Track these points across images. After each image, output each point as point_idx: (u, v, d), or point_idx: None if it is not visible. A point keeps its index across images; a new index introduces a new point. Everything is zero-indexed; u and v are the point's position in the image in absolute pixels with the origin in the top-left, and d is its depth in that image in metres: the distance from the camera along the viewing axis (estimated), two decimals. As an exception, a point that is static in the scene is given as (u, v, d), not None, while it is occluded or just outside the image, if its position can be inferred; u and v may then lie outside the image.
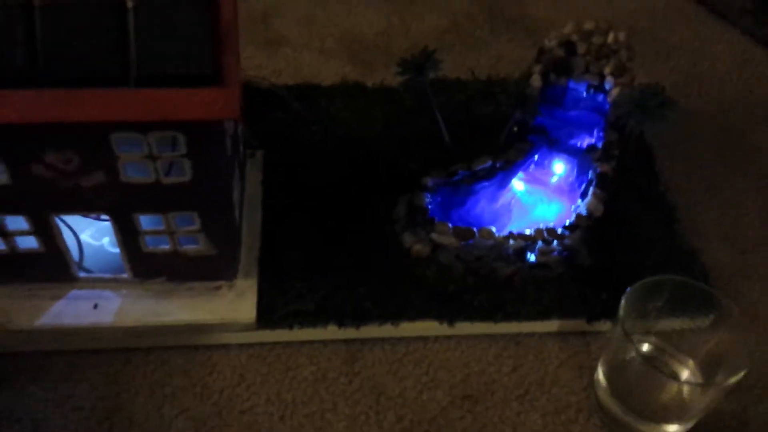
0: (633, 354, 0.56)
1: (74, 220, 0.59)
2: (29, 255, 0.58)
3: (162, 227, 0.57)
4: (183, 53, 0.47)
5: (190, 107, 0.47)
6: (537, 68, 0.74)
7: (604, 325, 0.64)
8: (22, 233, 0.57)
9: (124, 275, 0.61)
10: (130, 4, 0.46)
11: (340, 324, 0.62)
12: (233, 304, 0.61)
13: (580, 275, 0.65)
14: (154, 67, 0.47)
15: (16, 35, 0.46)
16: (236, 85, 0.48)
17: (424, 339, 0.64)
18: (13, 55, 0.46)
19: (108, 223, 0.61)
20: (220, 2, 0.48)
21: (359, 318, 0.62)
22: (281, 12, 0.96)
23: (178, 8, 0.47)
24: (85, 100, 0.46)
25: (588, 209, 0.66)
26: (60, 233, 0.57)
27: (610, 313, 0.62)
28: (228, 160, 0.56)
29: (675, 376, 0.59)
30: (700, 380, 0.59)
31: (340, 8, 0.98)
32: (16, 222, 0.56)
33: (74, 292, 0.61)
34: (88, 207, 0.55)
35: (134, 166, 0.52)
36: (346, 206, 0.70)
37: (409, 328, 0.63)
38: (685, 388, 0.56)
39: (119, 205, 0.55)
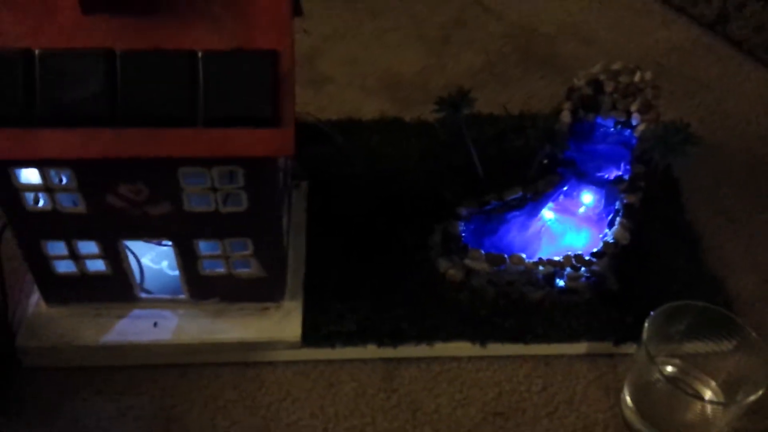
0: (657, 375, 0.59)
1: (136, 245, 0.65)
2: (97, 277, 0.64)
3: (218, 252, 0.62)
4: (246, 97, 0.52)
5: (250, 145, 0.53)
6: (566, 105, 0.79)
7: (630, 348, 0.67)
8: (92, 257, 0.62)
9: (182, 296, 0.66)
10: (200, 54, 0.52)
11: (379, 343, 0.66)
12: (280, 324, 0.66)
13: (607, 300, 0.69)
14: (219, 109, 0.53)
15: (99, 80, 0.52)
16: (292, 126, 0.54)
17: (457, 359, 0.67)
18: (95, 98, 0.52)
19: (167, 248, 0.66)
20: (279, 54, 0.53)
21: (396, 338, 0.66)
22: (325, 53, 1.03)
23: (243, 58, 0.53)
24: (158, 138, 0.52)
25: (615, 237, 0.70)
26: (126, 257, 0.63)
27: (636, 336, 0.65)
28: (280, 191, 0.61)
29: (698, 395, 0.62)
30: (721, 399, 0.62)
31: (381, 49, 1.04)
32: (87, 246, 0.62)
33: (136, 312, 0.66)
34: (153, 233, 0.61)
35: (196, 197, 0.58)
36: (384, 233, 0.74)
37: (444, 348, 0.67)
38: (708, 407, 0.59)
39: (182, 232, 0.60)
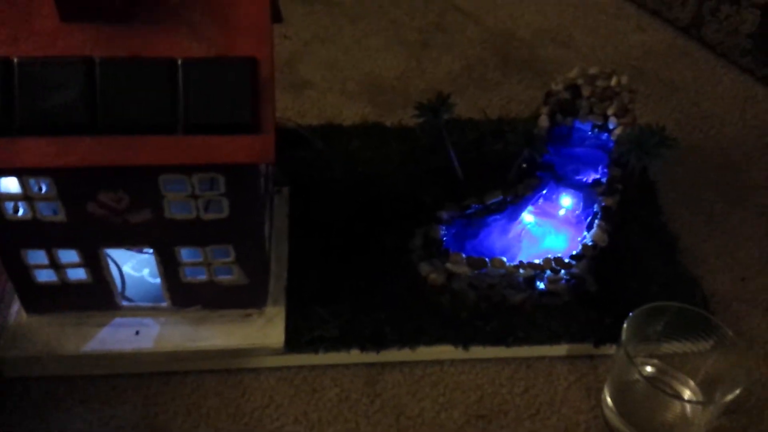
0: (636, 376, 0.60)
1: (117, 253, 0.65)
2: (78, 285, 0.64)
3: (200, 259, 0.62)
4: (226, 104, 0.53)
5: (231, 152, 0.53)
6: (544, 110, 0.80)
7: (610, 349, 0.68)
8: (73, 266, 0.62)
9: (163, 304, 0.66)
10: (179, 61, 0.52)
11: (362, 348, 0.66)
12: (263, 330, 0.66)
13: (587, 302, 0.70)
14: (200, 116, 0.53)
15: (78, 88, 0.52)
16: (272, 132, 0.54)
17: (440, 362, 0.68)
18: (75, 106, 0.52)
19: (148, 256, 0.66)
20: (259, 61, 0.54)
21: (379, 342, 0.66)
22: (305, 58, 1.03)
23: (222, 65, 0.53)
24: (139, 146, 0.52)
25: (593, 240, 0.71)
26: (107, 265, 0.63)
27: (615, 337, 0.66)
28: (261, 197, 0.61)
29: (677, 395, 0.63)
30: (700, 398, 0.63)
31: (361, 54, 1.05)
32: (68, 255, 0.61)
33: (117, 320, 0.66)
34: (134, 241, 0.61)
35: (177, 204, 0.58)
36: (366, 237, 0.74)
37: (426, 352, 0.67)
38: (687, 407, 0.60)
39: (163, 240, 0.60)
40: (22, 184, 0.56)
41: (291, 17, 1.08)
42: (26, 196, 0.56)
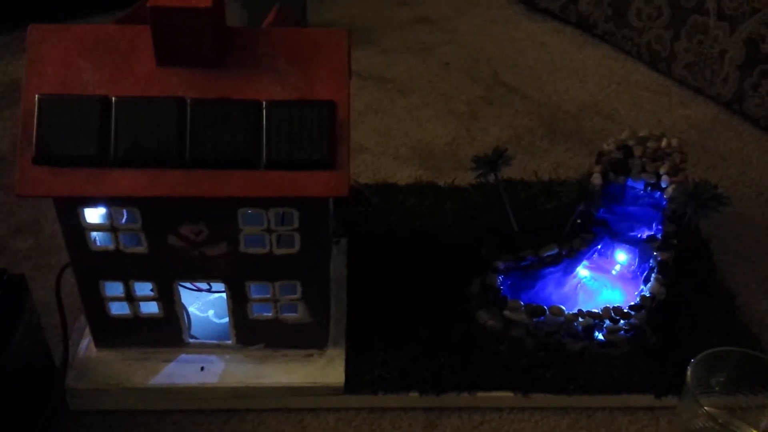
0: (701, 423, 0.59)
1: (183, 294, 0.67)
2: (149, 320, 0.66)
3: (268, 295, 0.64)
4: (305, 142, 0.56)
5: (309, 186, 0.56)
6: (597, 168, 0.82)
7: (672, 401, 0.67)
8: (147, 299, 0.64)
9: (228, 342, 0.68)
10: (263, 103, 0.56)
11: (422, 391, 0.67)
12: (324, 370, 0.67)
13: (646, 353, 0.69)
14: (281, 153, 0.56)
15: (170, 126, 0.56)
16: (347, 168, 0.57)
17: (499, 409, 0.68)
18: (167, 142, 0.56)
19: (213, 298, 0.69)
20: (336, 104, 0.57)
21: (439, 386, 0.67)
22: (360, 126, 1.08)
23: (303, 107, 0.57)
24: (223, 179, 0.56)
25: (652, 292, 0.71)
26: (180, 299, 0.65)
27: (676, 389, 0.66)
28: (329, 235, 0.64)
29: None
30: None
31: (412, 123, 1.09)
32: (143, 288, 0.64)
33: (183, 356, 0.68)
34: (207, 275, 0.63)
35: (252, 239, 0.61)
36: (422, 286, 0.76)
37: (486, 398, 0.67)
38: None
39: (235, 274, 0.63)
40: (110, 214, 0.59)
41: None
42: (112, 227, 0.60)
